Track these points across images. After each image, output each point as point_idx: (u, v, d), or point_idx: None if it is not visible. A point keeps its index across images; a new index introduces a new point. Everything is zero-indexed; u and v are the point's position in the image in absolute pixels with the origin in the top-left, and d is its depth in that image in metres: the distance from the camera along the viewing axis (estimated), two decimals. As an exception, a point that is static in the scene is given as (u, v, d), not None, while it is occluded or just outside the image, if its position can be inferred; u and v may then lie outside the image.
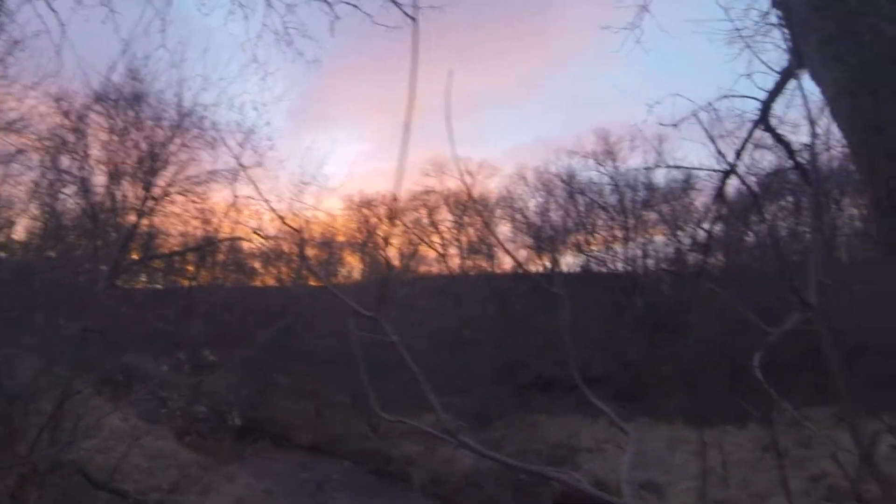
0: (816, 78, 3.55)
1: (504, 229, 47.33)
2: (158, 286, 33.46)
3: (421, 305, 39.84)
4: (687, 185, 36.42)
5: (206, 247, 31.25)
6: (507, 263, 46.54)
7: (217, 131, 25.24)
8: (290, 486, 24.60)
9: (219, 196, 28.53)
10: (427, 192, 47.52)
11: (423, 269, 51.24)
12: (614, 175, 41.52)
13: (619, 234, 42.40)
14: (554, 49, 68.65)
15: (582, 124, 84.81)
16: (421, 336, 33.57)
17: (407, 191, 47.49)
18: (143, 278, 31.86)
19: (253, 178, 27.25)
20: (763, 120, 8.18)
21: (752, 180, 12.31)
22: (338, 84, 71.23)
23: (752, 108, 8.41)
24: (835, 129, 3.30)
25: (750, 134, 8.61)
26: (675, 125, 9.97)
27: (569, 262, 45.19)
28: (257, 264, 42.36)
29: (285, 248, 34.33)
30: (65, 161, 22.88)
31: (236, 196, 27.06)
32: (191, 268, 34.38)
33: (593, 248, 43.73)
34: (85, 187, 23.32)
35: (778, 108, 8.01)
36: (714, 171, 9.84)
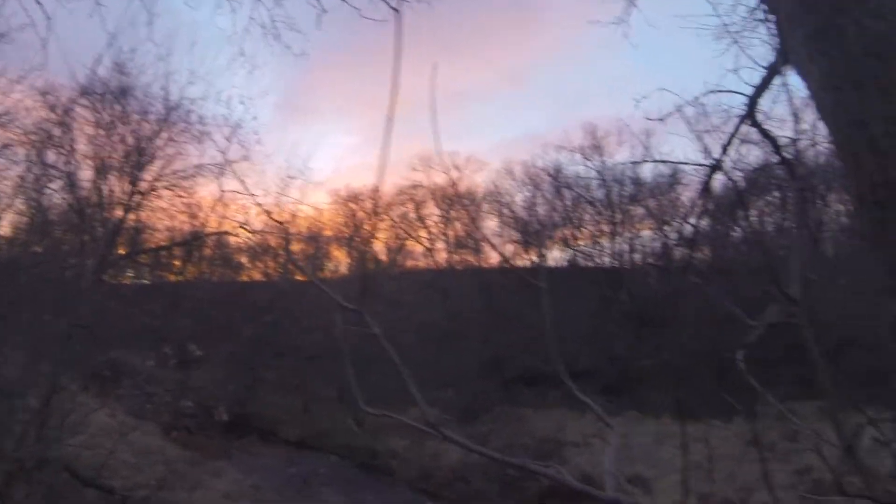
0: (802, 73, 3.58)
1: (491, 224, 47.45)
2: (145, 281, 33.38)
3: (408, 300, 39.83)
4: (674, 179, 36.54)
5: (192, 241, 31.19)
6: (494, 258, 46.67)
7: (204, 125, 25.22)
8: (278, 481, 24.61)
9: (206, 190, 28.56)
10: (414, 187, 47.52)
11: (410, 263, 51.22)
12: (601, 170, 41.60)
13: (605, 228, 42.51)
14: (542, 43, 68.74)
15: (571, 119, 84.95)
16: (408, 330, 33.58)
17: (394, 185, 47.51)
18: (130, 273, 31.80)
19: (239, 173, 27.24)
20: (749, 115, 8.21)
21: (738, 175, 12.38)
22: (325, 78, 71.18)
23: (738, 104, 8.43)
24: (821, 124, 3.33)
25: (736, 129, 8.63)
26: (661, 120, 9.99)
27: (556, 256, 45.29)
28: (244, 259, 42.32)
29: (272, 242, 34.31)
30: (51, 155, 22.79)
31: (223, 190, 27.05)
32: (177, 263, 34.31)
33: (580, 242, 43.82)
34: (71, 182, 23.24)
35: (765, 103, 8.04)
36: (700, 165, 9.87)
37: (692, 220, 11.05)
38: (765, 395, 4.11)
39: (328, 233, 47.07)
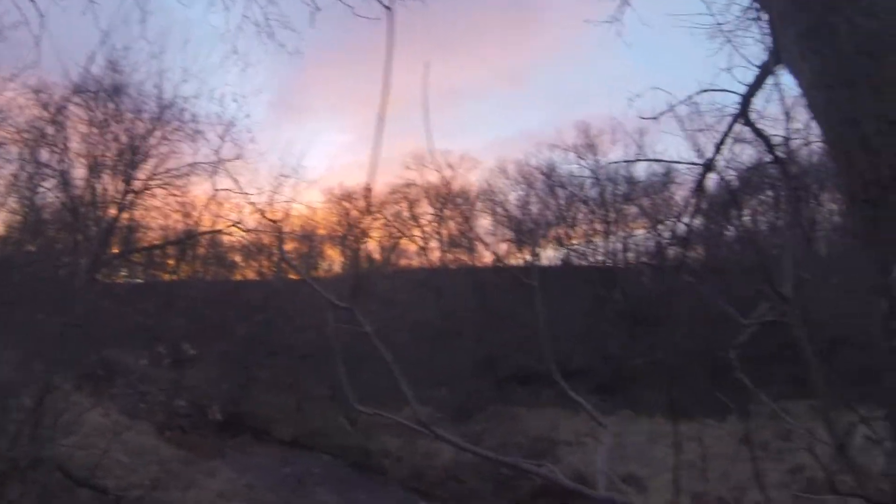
0: (794, 71, 3.59)
1: (485, 222, 47.50)
2: (139, 280, 33.35)
3: (401, 299, 39.82)
4: (667, 178, 36.60)
5: (186, 240, 31.18)
6: (487, 257, 46.73)
7: (197, 124, 25.23)
8: (272, 481, 24.57)
9: (199, 189, 28.52)
10: (408, 185, 47.51)
11: (403, 262, 51.21)
12: (595, 168, 41.65)
13: (599, 227, 42.56)
14: (539, 42, 68.83)
15: (566, 117, 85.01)
16: (402, 329, 33.57)
17: (388, 184, 47.49)
18: (124, 272, 31.76)
19: (233, 171, 27.23)
20: (743, 114, 8.23)
21: (731, 174, 12.40)
22: (319, 76, 71.17)
23: (731, 103, 8.45)
24: (814, 123, 3.34)
25: (729, 128, 8.65)
26: (655, 119, 10.01)
27: (549, 255, 45.35)
28: (238, 258, 42.27)
29: (266, 241, 34.31)
30: (44, 154, 22.76)
31: (216, 189, 27.07)
32: (171, 262, 34.27)
33: (574, 241, 43.89)
34: (64, 180, 23.22)
35: (758, 102, 8.06)
36: (693, 164, 9.89)
37: (685, 220, 11.07)
38: (757, 394, 4.13)
39: (322, 231, 47.08)
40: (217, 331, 31.73)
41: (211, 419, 30.40)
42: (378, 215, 48.46)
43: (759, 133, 8.39)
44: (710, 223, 25.70)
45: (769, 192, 29.17)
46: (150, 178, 25.43)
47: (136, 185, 24.72)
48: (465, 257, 47.09)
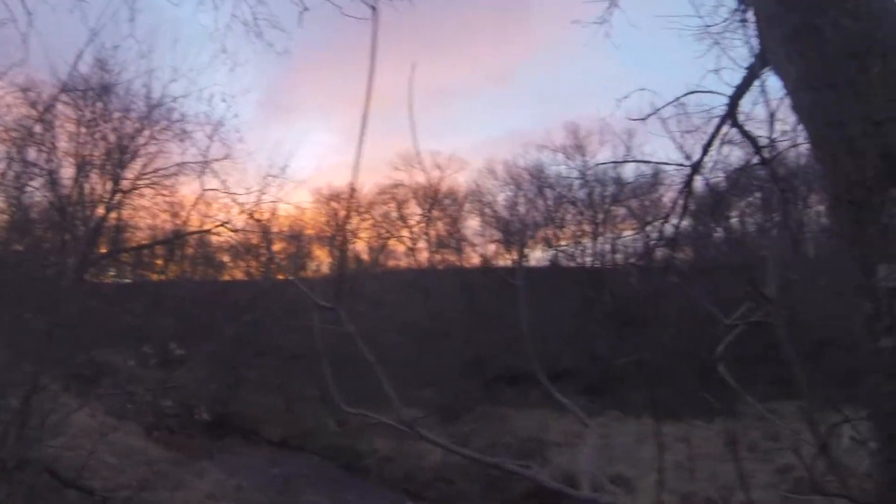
0: (780, 73, 3.61)
1: (473, 223, 47.54)
2: (127, 280, 33.24)
3: (390, 299, 39.85)
4: (655, 180, 36.67)
5: (174, 240, 31.11)
6: (476, 257, 46.77)
7: (186, 123, 25.20)
8: (261, 482, 24.53)
9: (187, 189, 28.46)
10: (396, 186, 47.53)
11: (391, 263, 51.23)
12: (583, 169, 41.72)
13: (587, 228, 42.65)
14: (528, 41, 68.96)
15: (555, 117, 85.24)
16: (390, 330, 33.59)
17: (376, 184, 47.48)
18: (112, 272, 31.67)
19: (221, 171, 27.18)
20: (730, 116, 8.27)
21: (719, 176, 12.44)
22: (307, 76, 71.12)
23: (719, 104, 8.49)
24: (801, 125, 3.37)
25: (717, 130, 8.69)
26: (642, 120, 10.03)
27: (538, 256, 45.43)
28: (226, 258, 42.17)
29: (254, 241, 34.25)
30: (32, 153, 22.68)
31: (205, 189, 27.03)
32: (159, 262, 34.18)
33: (562, 242, 43.98)
34: (52, 180, 23.16)
35: (746, 104, 8.09)
36: (681, 166, 9.92)
37: (673, 221, 11.08)
38: (743, 394, 4.14)
39: (310, 232, 47.02)
40: (205, 331, 31.66)
41: (198, 419, 30.34)
42: (366, 216, 48.53)
43: (746, 134, 8.43)
44: (697, 224, 25.78)
45: (757, 194, 29.29)
46: (138, 178, 25.41)
47: (125, 184, 24.70)
48: (453, 258, 47.15)
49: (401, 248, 50.07)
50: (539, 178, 43.84)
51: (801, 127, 3.63)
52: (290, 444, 31.09)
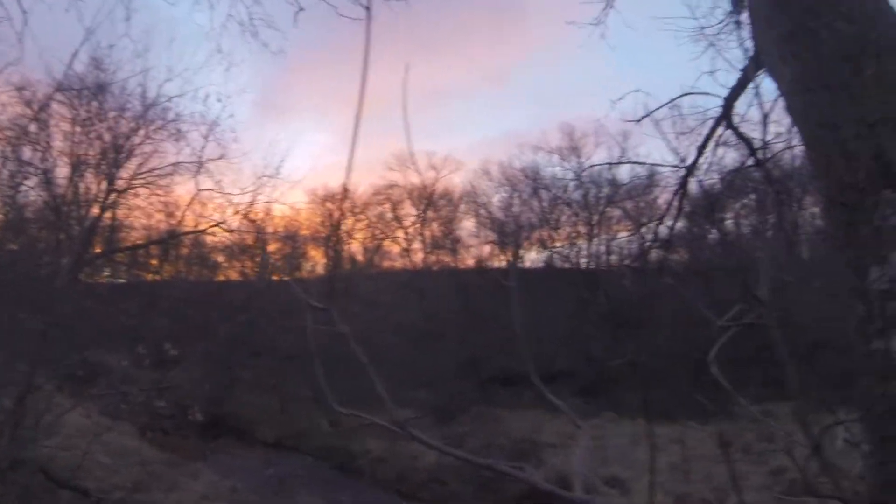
0: (774, 75, 3.62)
1: (468, 224, 47.54)
2: (121, 280, 33.17)
3: (385, 300, 39.82)
4: (650, 181, 36.68)
5: (169, 240, 31.05)
6: (470, 258, 46.77)
7: (181, 123, 25.15)
8: (255, 483, 24.50)
9: (182, 189, 28.39)
10: (391, 187, 47.51)
11: (386, 263, 51.20)
12: (578, 171, 41.76)
13: (582, 229, 42.70)
14: (525, 41, 68.88)
15: (551, 117, 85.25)
16: (385, 331, 33.58)
17: (371, 185, 47.45)
18: (106, 272, 31.59)
19: (216, 171, 27.12)
20: (725, 117, 8.28)
21: (714, 177, 12.46)
22: (302, 76, 70.85)
23: (715, 106, 8.51)
24: (796, 127, 3.38)
25: (712, 131, 8.71)
26: (637, 122, 10.06)
27: (533, 257, 45.46)
28: (221, 258, 42.08)
29: (249, 241, 34.20)
30: (27, 152, 22.62)
31: (200, 189, 26.98)
32: (154, 262, 34.11)
33: (557, 243, 43.99)
34: (47, 179, 23.09)
35: (741, 106, 8.11)
36: (676, 167, 9.94)
37: (668, 222, 11.08)
38: (736, 396, 4.14)
39: (305, 232, 46.96)
40: (200, 331, 31.59)
41: (193, 420, 30.28)
42: (361, 216, 48.51)
43: (741, 136, 8.45)
44: (692, 226, 25.79)
45: (752, 196, 29.33)
46: (133, 178, 25.33)
47: (120, 184, 24.61)
48: (448, 259, 47.15)
49: (396, 249, 50.08)
50: (534, 179, 43.93)
51: (795, 129, 3.64)
52: (284, 445, 31.06)
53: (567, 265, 42.80)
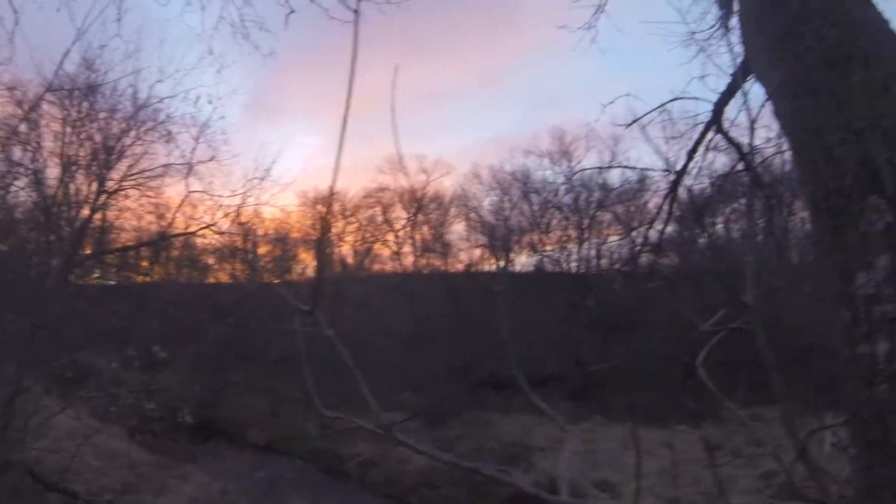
0: (763, 79, 3.64)
1: (459, 228, 47.56)
2: (111, 282, 33.09)
3: (375, 303, 39.85)
4: (641, 185, 36.76)
5: (159, 242, 31.00)
6: (461, 262, 46.77)
7: (172, 124, 25.13)
8: (245, 485, 24.47)
9: (173, 190, 28.36)
10: (381, 190, 47.51)
11: (377, 266, 51.16)
12: (569, 175, 41.83)
13: (573, 233, 42.72)
14: (518, 43, 68.99)
15: (543, 120, 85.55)
16: (375, 334, 33.59)
17: (362, 188, 47.44)
18: (96, 274, 31.51)
19: (206, 173, 27.09)
20: (715, 122, 8.31)
21: (704, 182, 12.50)
22: (294, 78, 70.89)
23: (705, 111, 8.53)
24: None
25: (702, 136, 8.74)
26: (627, 126, 10.07)
27: (523, 261, 45.48)
28: (211, 260, 42.00)
29: (239, 243, 34.17)
30: (17, 152, 22.54)
31: (190, 191, 26.94)
32: (144, 263, 34.03)
33: (548, 247, 44.03)
34: (37, 179, 23.05)
35: (731, 111, 8.14)
36: (667, 172, 9.96)
37: (658, 227, 11.11)
38: (723, 400, 4.16)
39: (296, 235, 46.90)
40: (190, 334, 31.55)
41: (182, 423, 30.21)
42: (352, 219, 48.49)
43: (731, 141, 8.48)
44: (682, 230, 25.86)
45: (742, 200, 29.40)
46: (123, 179, 25.32)
47: (110, 185, 24.59)
48: (438, 262, 47.15)
49: (386, 252, 50.04)
50: (525, 182, 44.00)
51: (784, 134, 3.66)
52: (274, 448, 31.03)
53: (557, 269, 42.84)
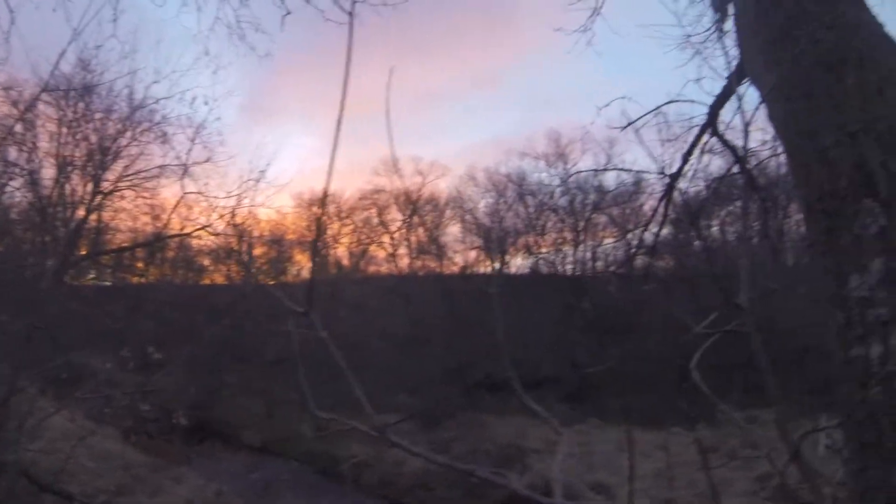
0: (757, 82, 3.65)
1: (454, 230, 47.56)
2: (107, 283, 33.06)
3: (371, 305, 39.82)
4: (636, 188, 36.78)
5: (155, 243, 30.99)
6: (456, 264, 46.76)
7: (168, 125, 25.14)
8: (240, 487, 24.43)
9: (168, 191, 28.37)
10: (377, 192, 47.50)
11: (372, 268, 51.14)
12: (565, 177, 41.85)
13: (568, 236, 42.75)
14: (515, 45, 69.09)
15: (540, 122, 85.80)
16: (371, 336, 33.56)
17: (358, 189, 47.40)
18: (92, 275, 31.49)
19: (202, 175, 27.11)
20: (710, 125, 8.32)
21: (699, 184, 12.52)
22: (289, 79, 70.89)
23: (700, 113, 8.55)
24: (780, 135, 3.42)
25: (697, 139, 8.75)
26: (623, 129, 10.08)
27: (518, 263, 45.48)
28: (207, 261, 41.97)
29: (234, 245, 34.16)
30: (12, 152, 22.56)
31: (186, 192, 26.95)
32: (140, 264, 34.02)
33: (543, 250, 44.02)
34: (33, 180, 23.07)
35: (726, 114, 8.15)
36: (662, 174, 9.97)
37: (654, 229, 11.12)
38: (717, 402, 4.16)
39: (291, 236, 46.87)
40: (185, 335, 31.51)
41: (177, 424, 30.17)
42: (347, 221, 48.47)
43: (726, 144, 8.49)
44: (678, 233, 25.88)
45: (737, 203, 29.42)
46: (119, 180, 25.34)
47: (105, 186, 24.62)
48: (433, 264, 47.13)
49: (382, 254, 50.03)
50: (520, 185, 44.02)
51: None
52: (269, 450, 30.98)
53: (553, 271, 42.85)
